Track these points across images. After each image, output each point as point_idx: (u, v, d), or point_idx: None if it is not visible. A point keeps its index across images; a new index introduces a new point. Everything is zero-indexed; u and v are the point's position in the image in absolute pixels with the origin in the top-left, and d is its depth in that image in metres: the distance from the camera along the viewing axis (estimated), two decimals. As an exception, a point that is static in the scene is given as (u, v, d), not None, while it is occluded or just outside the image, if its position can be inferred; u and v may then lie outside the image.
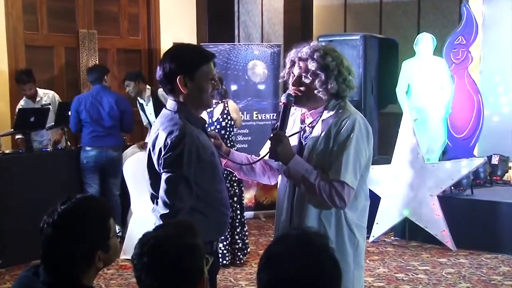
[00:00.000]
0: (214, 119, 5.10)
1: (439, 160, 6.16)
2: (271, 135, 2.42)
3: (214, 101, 5.09)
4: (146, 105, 6.28)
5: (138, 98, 6.31)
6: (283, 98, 2.45)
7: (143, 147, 5.95)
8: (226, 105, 5.15)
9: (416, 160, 5.54)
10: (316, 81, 2.40)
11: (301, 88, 2.44)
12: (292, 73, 2.48)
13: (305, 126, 2.51)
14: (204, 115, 5.07)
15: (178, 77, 2.31)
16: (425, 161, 5.58)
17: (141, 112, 6.41)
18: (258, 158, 2.59)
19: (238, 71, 6.82)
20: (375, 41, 6.32)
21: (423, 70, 6.22)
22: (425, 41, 6.21)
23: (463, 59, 6.36)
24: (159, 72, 2.37)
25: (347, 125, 2.35)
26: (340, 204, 2.34)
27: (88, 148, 5.68)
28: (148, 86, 6.32)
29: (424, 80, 6.21)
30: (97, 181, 5.72)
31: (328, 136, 2.38)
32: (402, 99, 6.27)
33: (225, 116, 5.11)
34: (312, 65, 2.39)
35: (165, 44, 7.55)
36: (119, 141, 5.89)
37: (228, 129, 5.12)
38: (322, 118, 2.44)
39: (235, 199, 5.07)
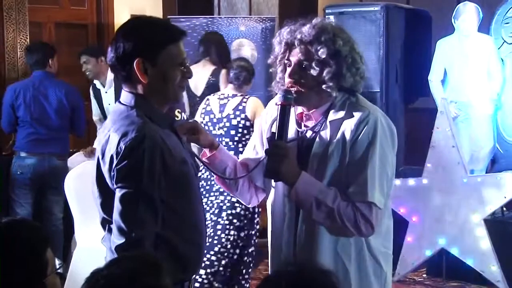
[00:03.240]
0: (225, 114, 5.11)
1: (486, 172, 6.19)
2: (268, 147, 2.43)
3: (232, 91, 5.21)
4: (106, 92, 6.28)
5: (95, 81, 6.33)
6: (279, 98, 2.45)
7: (91, 154, 5.94)
8: (244, 99, 5.16)
9: (455, 171, 5.57)
10: (325, 72, 2.41)
11: (303, 81, 2.45)
12: (287, 60, 2.49)
13: (306, 131, 2.51)
14: (216, 107, 5.15)
15: (136, 61, 2.32)
16: (468, 172, 5.62)
17: (93, 102, 6.40)
18: (245, 174, 2.61)
19: (219, 53, 6.82)
20: (401, 14, 6.35)
21: (464, 52, 6.25)
22: (467, 13, 6.25)
23: (518, 37, 6.41)
24: (110, 54, 2.38)
25: (368, 128, 2.37)
26: (366, 232, 2.38)
27: (24, 155, 5.66)
28: None
29: (466, 65, 6.24)
30: (30, 199, 5.70)
31: (343, 144, 2.40)
32: (436, 90, 6.30)
33: (238, 112, 5.11)
34: (321, 51, 2.40)
35: (121, 17, 7.53)
36: (66, 147, 5.91)
37: (240, 131, 5.10)
38: (329, 119, 2.45)
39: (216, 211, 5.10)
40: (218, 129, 5.13)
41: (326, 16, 6.15)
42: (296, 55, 2.46)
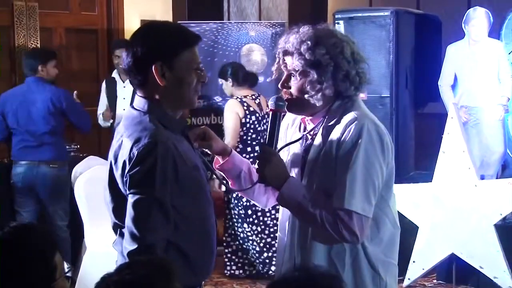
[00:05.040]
0: (264, 111, 5.66)
1: (497, 177, 6.17)
2: (259, 152, 2.46)
3: (252, 92, 5.71)
4: (124, 86, 6.30)
5: (114, 75, 6.39)
6: (270, 104, 2.49)
7: (107, 118, 6.11)
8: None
9: (466, 177, 5.55)
10: (306, 82, 2.42)
11: (291, 91, 2.48)
12: (281, 69, 2.53)
13: (305, 134, 2.54)
14: (255, 106, 5.70)
15: (154, 65, 2.33)
16: (478, 178, 5.59)
17: (103, 97, 6.44)
18: (253, 184, 2.61)
19: (229, 59, 6.83)
20: (411, 18, 6.35)
21: (474, 57, 6.24)
22: (477, 19, 6.24)
23: (528, 42, 6.40)
24: (127, 59, 2.38)
25: (352, 134, 2.36)
26: (350, 239, 2.36)
27: (17, 163, 5.65)
28: None
29: (476, 70, 6.23)
30: (27, 207, 5.66)
31: (330, 149, 2.40)
32: (446, 95, 6.29)
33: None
34: (297, 63, 2.42)
35: (131, 23, 7.56)
36: (57, 153, 5.71)
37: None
38: (323, 124, 2.46)
39: None
40: (262, 125, 5.66)
41: (336, 21, 6.16)
42: (284, 65, 2.50)
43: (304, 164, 2.50)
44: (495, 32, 6.36)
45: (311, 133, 2.51)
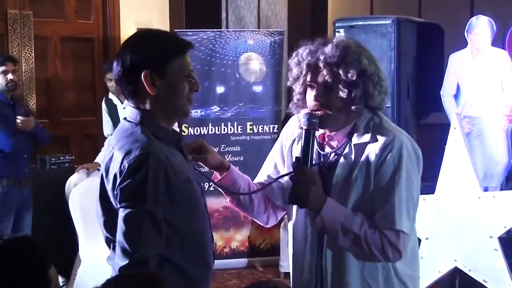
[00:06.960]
0: None
1: (501, 189, 6.16)
2: (294, 172, 2.39)
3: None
4: (124, 107, 6.30)
5: (111, 97, 6.36)
6: (303, 122, 2.43)
7: (90, 170, 5.94)
8: None
9: (469, 188, 5.54)
10: (353, 93, 2.39)
11: (329, 103, 2.41)
12: (310, 82, 2.45)
13: (330, 154, 2.49)
14: None
15: (144, 73, 2.31)
16: (482, 189, 5.58)
17: (105, 117, 6.42)
18: (260, 187, 2.60)
19: (226, 68, 6.83)
20: (413, 27, 6.35)
21: (478, 66, 6.24)
22: (480, 27, 6.25)
23: (532, 51, 6.41)
24: (116, 68, 2.37)
25: (393, 153, 2.36)
26: (393, 258, 2.39)
27: None
28: None
29: (479, 80, 6.23)
30: None
31: (367, 169, 2.38)
32: (449, 105, 6.29)
33: None
34: (351, 73, 2.36)
35: (127, 31, 7.56)
36: None
37: None
38: (353, 142, 2.43)
39: None
40: None
41: (336, 30, 6.16)
42: (321, 77, 2.42)
43: (325, 182, 2.45)
44: (498, 41, 6.37)
45: (337, 151, 2.47)
